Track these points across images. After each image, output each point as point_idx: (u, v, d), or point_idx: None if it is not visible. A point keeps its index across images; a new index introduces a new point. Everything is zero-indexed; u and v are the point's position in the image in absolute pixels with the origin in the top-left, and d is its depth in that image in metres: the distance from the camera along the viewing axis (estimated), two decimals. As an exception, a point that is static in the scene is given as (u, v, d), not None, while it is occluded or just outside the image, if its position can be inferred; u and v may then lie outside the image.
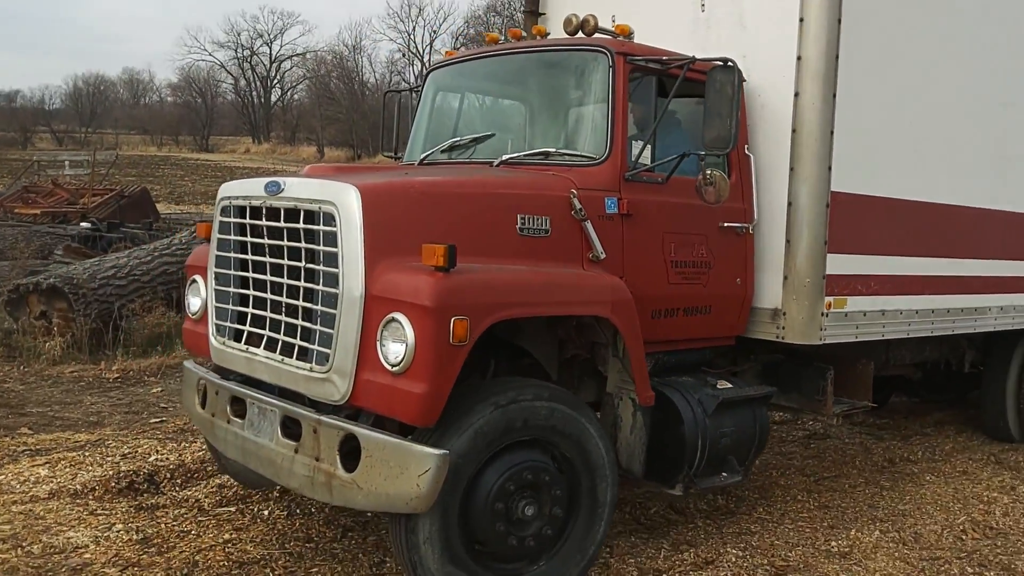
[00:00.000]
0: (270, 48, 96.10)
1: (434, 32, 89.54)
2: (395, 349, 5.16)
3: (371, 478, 5.20)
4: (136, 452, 8.55)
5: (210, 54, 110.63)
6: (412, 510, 5.16)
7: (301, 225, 5.66)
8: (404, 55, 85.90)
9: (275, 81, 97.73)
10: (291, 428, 5.73)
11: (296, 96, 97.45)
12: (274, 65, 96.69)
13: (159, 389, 11.37)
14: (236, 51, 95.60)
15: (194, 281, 6.92)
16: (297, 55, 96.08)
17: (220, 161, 65.50)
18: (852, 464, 9.68)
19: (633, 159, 6.52)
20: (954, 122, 8.61)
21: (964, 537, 7.64)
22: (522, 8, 9.30)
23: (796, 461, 9.73)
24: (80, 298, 12.93)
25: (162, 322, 13.32)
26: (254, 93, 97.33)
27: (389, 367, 5.18)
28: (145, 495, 7.55)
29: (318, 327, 5.55)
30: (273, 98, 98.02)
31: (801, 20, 7.10)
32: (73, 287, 12.98)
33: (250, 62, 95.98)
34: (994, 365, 10.74)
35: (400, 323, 5.13)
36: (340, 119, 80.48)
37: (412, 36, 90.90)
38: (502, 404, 5.46)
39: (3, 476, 7.77)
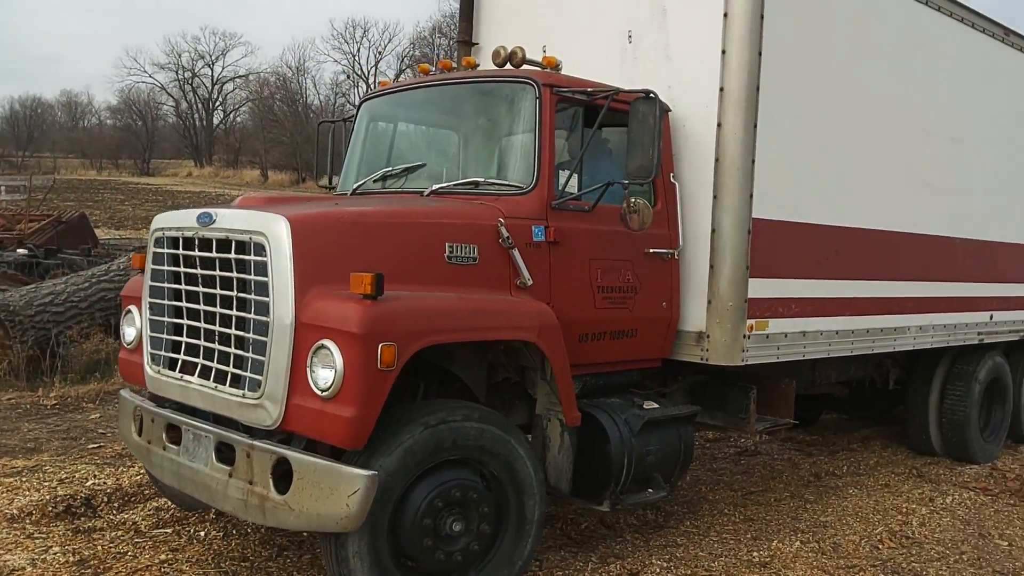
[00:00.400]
0: (212, 70, 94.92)
1: (379, 53, 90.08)
2: (324, 375, 5.33)
3: (303, 499, 5.36)
4: (73, 477, 8.63)
5: (150, 76, 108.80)
6: (342, 529, 5.32)
7: (233, 255, 5.82)
8: (349, 76, 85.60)
9: (217, 103, 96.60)
10: (225, 453, 5.87)
11: (239, 119, 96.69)
12: (216, 87, 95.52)
13: (97, 415, 11.40)
14: (177, 73, 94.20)
15: (129, 311, 7.05)
16: (240, 77, 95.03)
17: (161, 185, 65.03)
18: (779, 479, 9.96)
19: (560, 188, 6.74)
20: (875, 150, 8.89)
21: (880, 546, 7.93)
22: (456, 38, 9.49)
23: (726, 477, 9.99)
24: (17, 325, 12.91)
25: (100, 348, 13.32)
26: (196, 116, 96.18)
27: (319, 392, 5.35)
28: (82, 518, 7.63)
29: (250, 354, 5.70)
30: (215, 121, 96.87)
31: (723, 52, 7.35)
32: (9, 314, 12.96)
33: (191, 84, 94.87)
34: (917, 382, 11.13)
35: (329, 349, 5.30)
36: (284, 142, 79.65)
37: (356, 57, 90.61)
38: (432, 424, 5.66)
39: (-60, 503, 7.83)
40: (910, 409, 11.29)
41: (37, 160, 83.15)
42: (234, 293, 5.83)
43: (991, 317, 10.94)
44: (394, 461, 5.48)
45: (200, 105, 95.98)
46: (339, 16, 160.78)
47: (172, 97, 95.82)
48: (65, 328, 13.39)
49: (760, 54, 7.37)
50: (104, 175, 77.15)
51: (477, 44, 9.21)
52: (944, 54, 9.82)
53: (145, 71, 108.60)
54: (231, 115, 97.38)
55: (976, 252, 10.58)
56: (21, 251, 19.96)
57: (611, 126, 7.14)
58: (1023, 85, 11.24)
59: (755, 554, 7.55)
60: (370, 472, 5.27)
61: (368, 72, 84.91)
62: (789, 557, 7.50)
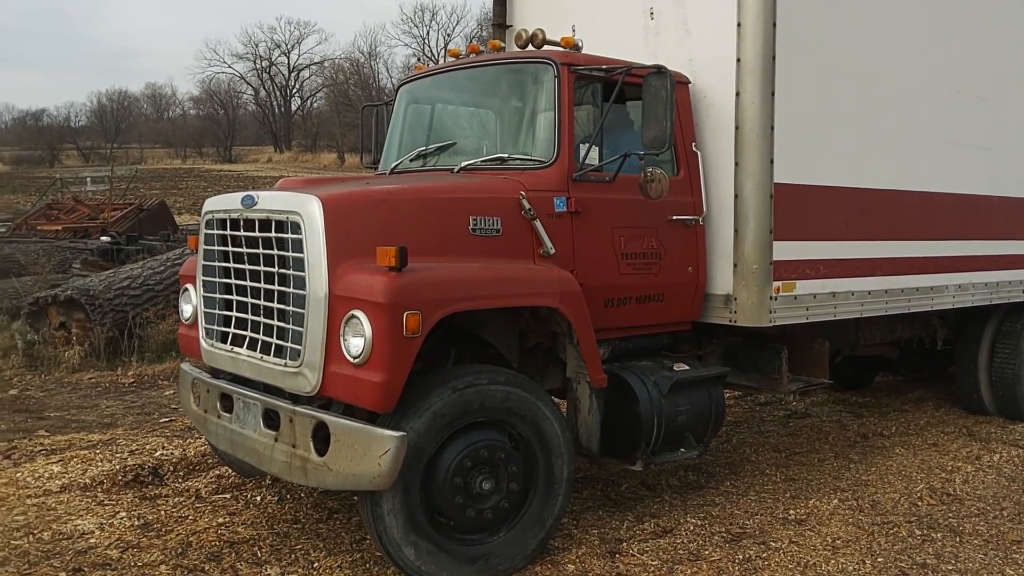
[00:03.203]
0: (288, 58, 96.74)
1: (448, 35, 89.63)
2: (356, 343, 5.68)
3: (339, 460, 5.72)
4: (144, 449, 9.14)
5: (229, 66, 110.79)
6: (375, 487, 5.67)
7: (273, 234, 6.20)
8: (419, 59, 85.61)
9: (294, 90, 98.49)
10: (272, 419, 6.26)
11: (315, 104, 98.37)
12: (292, 74, 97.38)
13: (171, 392, 11.93)
14: (255, 62, 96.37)
15: (186, 289, 7.49)
16: (315, 64, 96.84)
17: (243, 171, 66.23)
18: (826, 440, 10.06)
19: (581, 161, 6.99)
20: (900, 111, 8.91)
21: (920, 503, 7.98)
22: (491, 22, 9.80)
23: (772, 439, 10.14)
24: (96, 308, 13.52)
25: (175, 328, 13.81)
26: (274, 103, 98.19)
27: (351, 359, 5.69)
28: (149, 486, 8.13)
29: (290, 326, 6.08)
30: (293, 107, 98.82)
31: (739, 25, 7.51)
32: (89, 298, 13.58)
33: (269, 72, 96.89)
34: (966, 341, 11.10)
35: (359, 319, 5.64)
36: (359, 125, 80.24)
37: (426, 40, 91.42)
38: (459, 388, 5.98)
39: (20, 473, 8.36)
40: (960, 368, 11.25)
41: (125, 151, 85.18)
42: (275, 269, 6.20)
43: None
44: (424, 423, 5.82)
45: (278, 92, 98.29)
46: (408, 1, 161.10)
47: (251, 86, 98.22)
48: (142, 310, 13.98)
49: (775, 25, 7.50)
50: (188, 163, 78.73)
51: (511, 26, 9.44)
52: (971, 11, 9.80)
53: (224, 62, 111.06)
54: (308, 101, 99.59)
55: (1017, 209, 10.52)
56: (104, 238, 20.65)
57: (628, 100, 7.44)
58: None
59: (791, 512, 7.68)
60: (399, 433, 5.60)
61: (438, 54, 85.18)
62: (825, 514, 7.61)
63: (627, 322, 7.37)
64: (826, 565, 6.66)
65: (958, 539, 7.25)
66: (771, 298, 7.68)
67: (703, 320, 7.88)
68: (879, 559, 6.80)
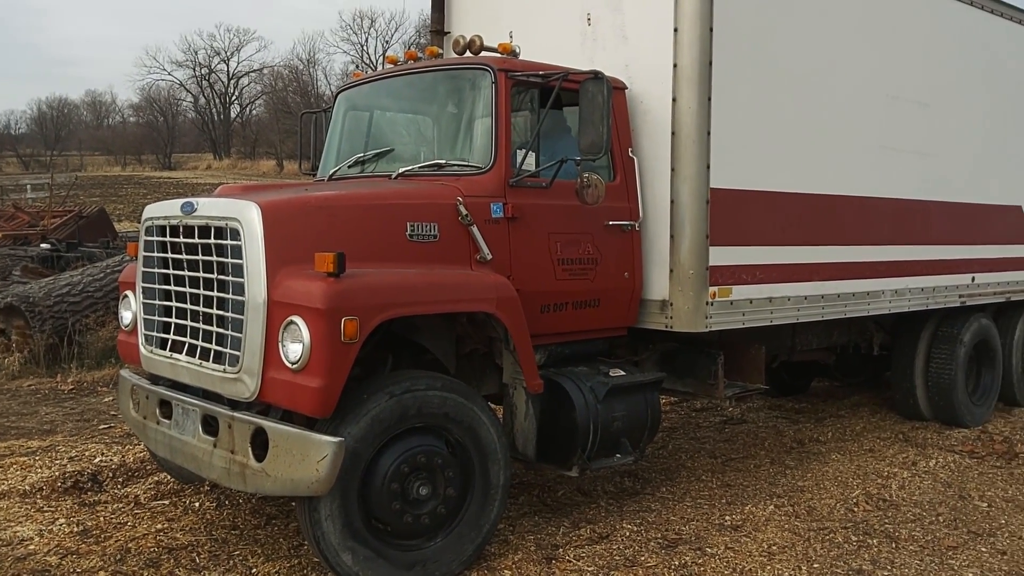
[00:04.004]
0: (227, 65, 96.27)
1: (386, 43, 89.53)
2: (294, 348, 5.71)
3: (278, 466, 5.75)
4: (83, 455, 9.12)
5: (169, 73, 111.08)
6: (313, 493, 5.70)
7: (212, 240, 6.22)
8: (358, 66, 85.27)
9: (234, 98, 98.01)
10: (211, 425, 6.28)
11: (255, 111, 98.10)
12: (232, 82, 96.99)
13: (111, 398, 11.85)
14: (194, 69, 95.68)
15: (125, 296, 7.48)
16: (254, 71, 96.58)
17: (182, 178, 65.74)
18: (762, 446, 10.13)
19: (517, 166, 7.03)
20: (838, 117, 8.99)
21: (856, 509, 8.06)
22: (430, 28, 9.86)
23: (708, 445, 10.20)
24: (36, 315, 13.43)
25: (115, 335, 13.75)
26: (214, 110, 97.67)
27: (290, 365, 5.73)
28: (88, 493, 8.09)
29: (229, 332, 6.10)
30: (232, 114, 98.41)
31: (676, 30, 7.56)
32: (29, 305, 13.48)
33: (208, 80, 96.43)
34: (902, 346, 11.20)
35: (297, 325, 5.68)
36: (298, 132, 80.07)
37: (365, 47, 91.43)
38: (396, 394, 6.02)
39: (-42, 481, 8.29)
40: (897, 374, 11.33)
41: (65, 159, 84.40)
42: (214, 275, 6.22)
43: (973, 279, 10.94)
44: (361, 428, 5.86)
45: (217, 100, 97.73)
46: (347, 8, 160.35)
47: (191, 93, 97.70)
48: (82, 317, 13.89)
49: (711, 30, 7.55)
50: (128, 171, 78.19)
51: (449, 33, 9.47)
52: (910, 18, 9.89)
53: (164, 69, 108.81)
54: (247, 108, 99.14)
55: (954, 214, 10.63)
56: (44, 245, 20.43)
57: (566, 106, 7.49)
58: (996, 48, 11.20)
59: (727, 518, 7.75)
60: (337, 439, 5.63)
61: (376, 61, 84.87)
62: (761, 520, 7.69)
63: (563, 327, 7.40)
64: (762, 571, 6.73)
65: (894, 545, 7.33)
66: (707, 303, 7.73)
67: (639, 326, 7.91)
68: (815, 565, 6.87)
